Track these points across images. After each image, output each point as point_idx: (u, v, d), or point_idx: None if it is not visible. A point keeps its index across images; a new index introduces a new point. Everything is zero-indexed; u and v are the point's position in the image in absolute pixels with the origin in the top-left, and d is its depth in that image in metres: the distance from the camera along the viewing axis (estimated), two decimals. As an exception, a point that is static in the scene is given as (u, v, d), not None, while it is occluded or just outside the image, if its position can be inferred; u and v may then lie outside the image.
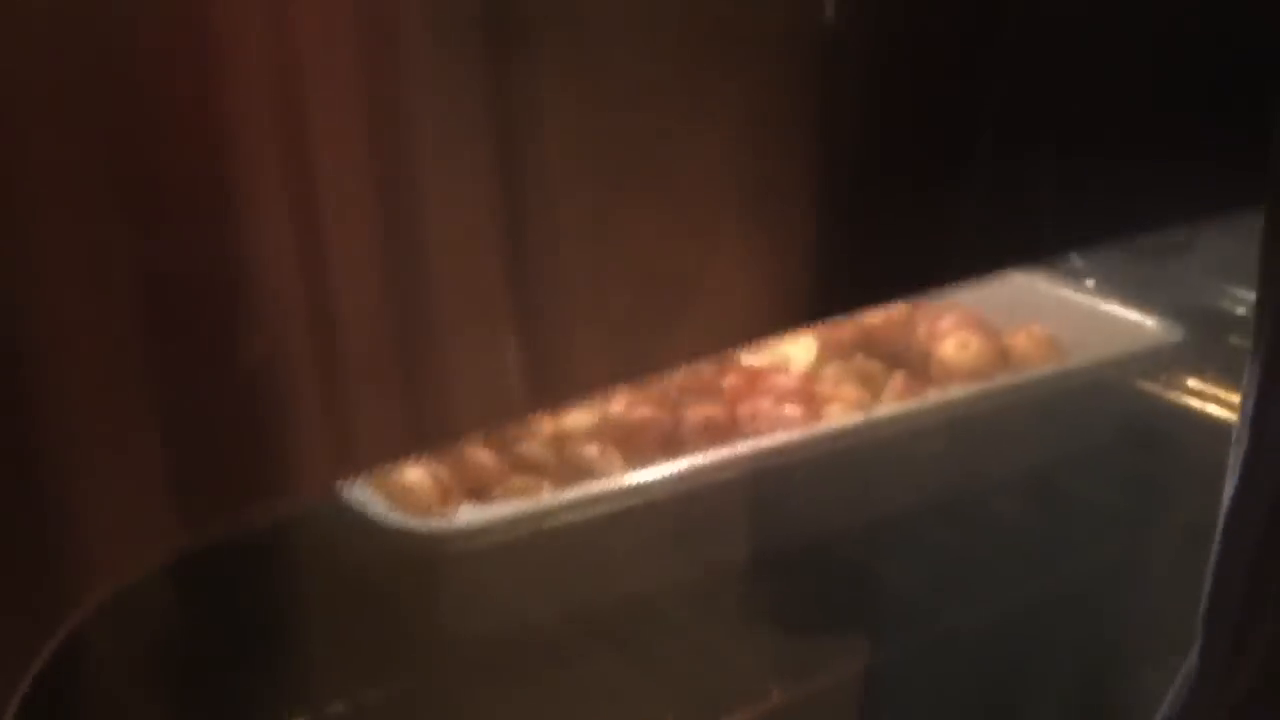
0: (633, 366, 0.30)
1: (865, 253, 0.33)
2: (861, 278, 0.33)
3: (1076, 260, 0.82)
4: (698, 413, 0.61)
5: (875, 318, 0.73)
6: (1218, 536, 0.35)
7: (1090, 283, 0.80)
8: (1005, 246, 0.37)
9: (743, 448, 0.53)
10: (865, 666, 0.51)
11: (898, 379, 0.70)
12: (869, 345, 0.73)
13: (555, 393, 0.29)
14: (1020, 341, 0.74)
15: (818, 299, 0.32)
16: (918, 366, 0.72)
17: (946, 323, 0.73)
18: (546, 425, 0.60)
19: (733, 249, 0.31)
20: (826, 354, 0.71)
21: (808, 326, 0.33)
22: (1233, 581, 0.35)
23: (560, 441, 0.60)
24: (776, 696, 0.49)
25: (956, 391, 0.63)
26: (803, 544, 0.54)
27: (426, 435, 0.27)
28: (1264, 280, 0.34)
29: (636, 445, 0.58)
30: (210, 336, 0.23)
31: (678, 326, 0.30)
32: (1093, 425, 0.68)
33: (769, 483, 0.54)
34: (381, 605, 0.49)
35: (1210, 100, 0.36)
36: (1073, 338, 0.73)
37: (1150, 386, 0.73)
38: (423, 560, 0.47)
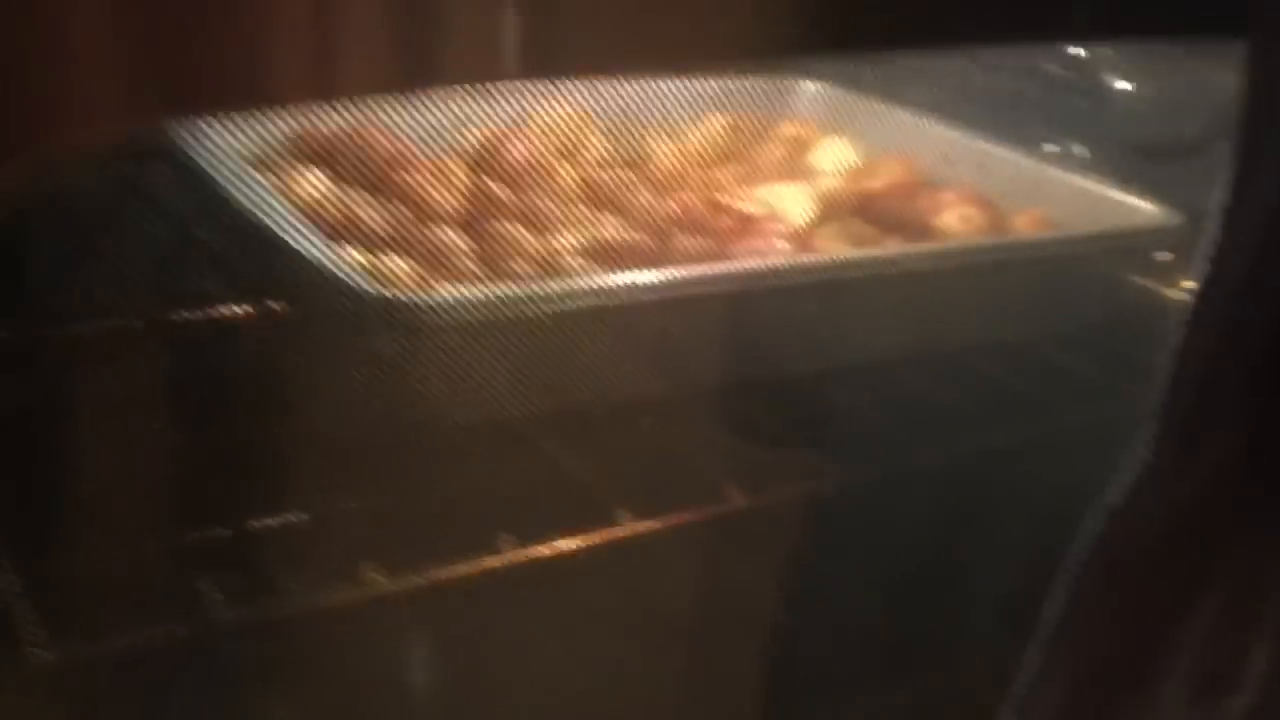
0: (626, 57, 0.31)
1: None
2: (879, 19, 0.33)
3: (1085, 155, 0.82)
4: (687, 242, 0.61)
5: (876, 183, 0.74)
6: (1182, 329, 0.36)
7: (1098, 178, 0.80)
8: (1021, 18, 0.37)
9: (727, 266, 0.54)
10: (821, 487, 0.52)
11: (893, 243, 0.70)
12: (868, 212, 0.73)
13: (547, 65, 0.29)
14: (1022, 222, 0.74)
15: (823, 31, 0.32)
16: (916, 236, 0.72)
17: (949, 196, 0.73)
18: (534, 245, 0.61)
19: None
20: (824, 214, 0.71)
21: (811, 55, 0.33)
22: (1190, 377, 0.35)
23: (548, 262, 0.60)
24: (734, 500, 0.50)
25: (950, 243, 0.64)
26: (776, 368, 0.55)
27: (414, 75, 0.28)
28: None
29: (623, 267, 0.58)
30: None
31: (673, 30, 0.30)
32: (1083, 303, 0.68)
33: (750, 306, 0.54)
34: (358, 384, 0.50)
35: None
36: (1074, 220, 0.73)
37: (1145, 281, 0.73)
38: (400, 333, 0.48)
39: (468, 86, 0.50)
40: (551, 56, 0.30)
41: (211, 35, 0.25)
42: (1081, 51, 0.81)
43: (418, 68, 0.28)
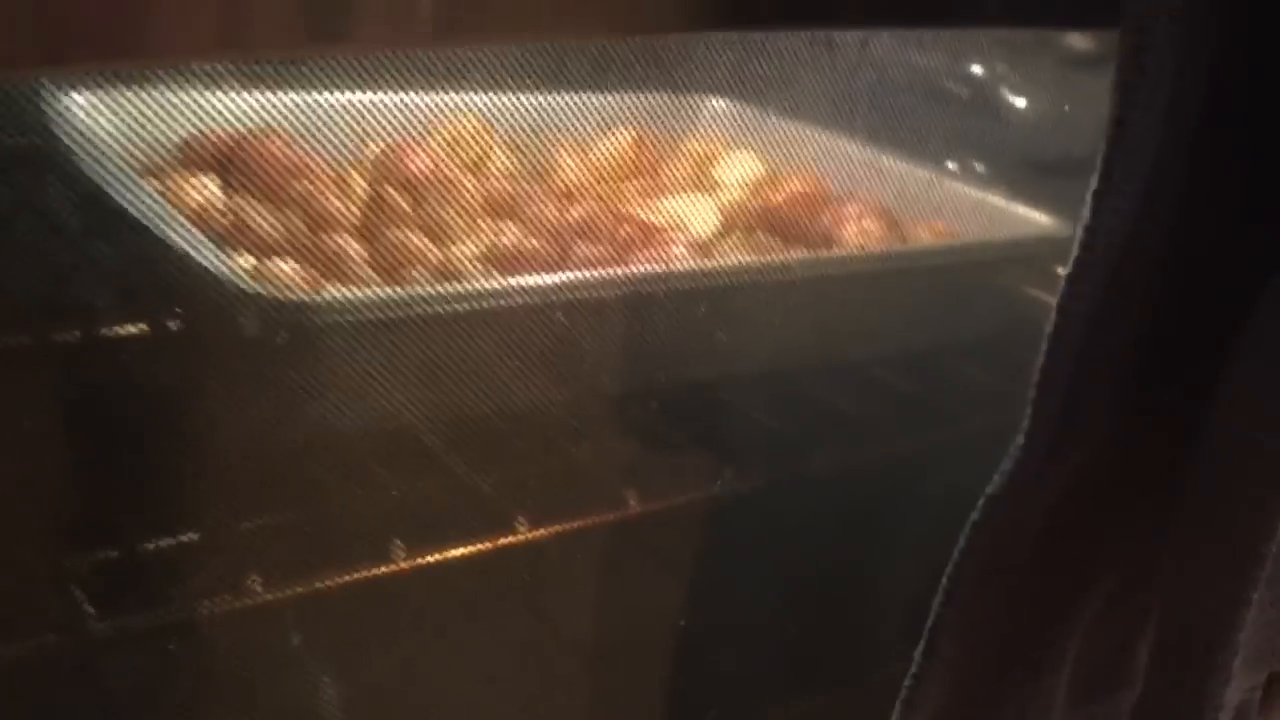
0: (542, 24, 0.30)
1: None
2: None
3: (984, 172, 0.83)
4: (588, 251, 0.61)
5: (779, 196, 0.74)
6: (1055, 306, 0.36)
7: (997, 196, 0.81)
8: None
9: (622, 271, 0.53)
10: (720, 492, 0.52)
11: (796, 254, 0.70)
12: (771, 224, 0.73)
13: (458, 31, 0.29)
14: (922, 234, 0.75)
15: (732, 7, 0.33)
16: (818, 247, 0.73)
17: (851, 209, 0.74)
18: (434, 253, 0.60)
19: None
20: (728, 225, 0.71)
21: (715, 28, 0.33)
22: (1063, 356, 0.35)
23: (446, 271, 0.60)
24: (633, 505, 0.50)
25: (846, 251, 0.64)
26: (675, 375, 0.55)
27: (323, 35, 0.27)
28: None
29: (520, 274, 0.58)
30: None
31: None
32: (981, 314, 0.69)
33: (647, 310, 0.54)
34: (249, 396, 0.49)
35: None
36: (975, 235, 0.74)
37: (1042, 294, 0.74)
38: (285, 335, 0.47)
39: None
40: (462, 23, 0.29)
41: None
42: (980, 70, 0.83)
43: (327, 27, 0.28)
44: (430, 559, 0.46)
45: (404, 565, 0.45)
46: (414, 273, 0.60)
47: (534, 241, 0.60)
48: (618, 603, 0.50)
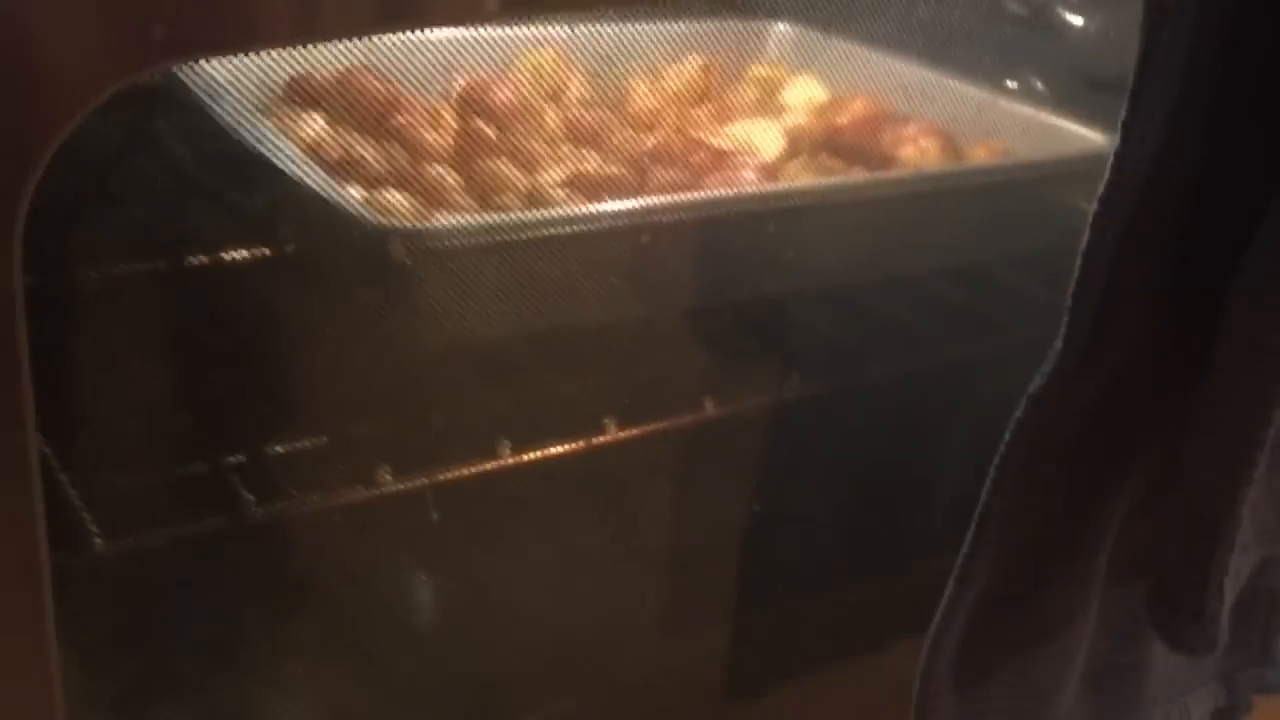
0: None
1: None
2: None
3: (1042, 90, 0.86)
4: (664, 175, 0.65)
5: (842, 118, 0.78)
6: (1088, 225, 0.40)
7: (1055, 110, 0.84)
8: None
9: (699, 195, 0.58)
10: (786, 397, 0.57)
11: (856, 175, 0.74)
12: (834, 146, 0.77)
13: (526, 5, 0.33)
14: (979, 153, 0.79)
15: None
16: (879, 168, 0.77)
17: (910, 130, 0.78)
18: (522, 180, 0.65)
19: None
20: (793, 148, 0.75)
21: None
22: (1096, 269, 0.40)
23: (534, 196, 0.65)
24: (710, 408, 0.55)
25: (905, 172, 0.68)
26: (746, 289, 0.60)
27: (395, 18, 0.32)
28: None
29: (603, 199, 0.63)
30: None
31: None
32: (1034, 228, 0.73)
33: (720, 232, 0.59)
34: (360, 310, 0.54)
35: None
36: (1032, 153, 0.77)
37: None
38: (400, 260, 0.52)
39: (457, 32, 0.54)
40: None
41: None
42: (1036, -13, 0.85)
43: (399, 10, 0.32)
44: (531, 457, 0.52)
45: (510, 462, 0.51)
46: (506, 199, 0.66)
47: (614, 168, 0.65)
48: (693, 498, 0.56)
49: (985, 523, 0.43)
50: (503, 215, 0.54)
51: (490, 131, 0.68)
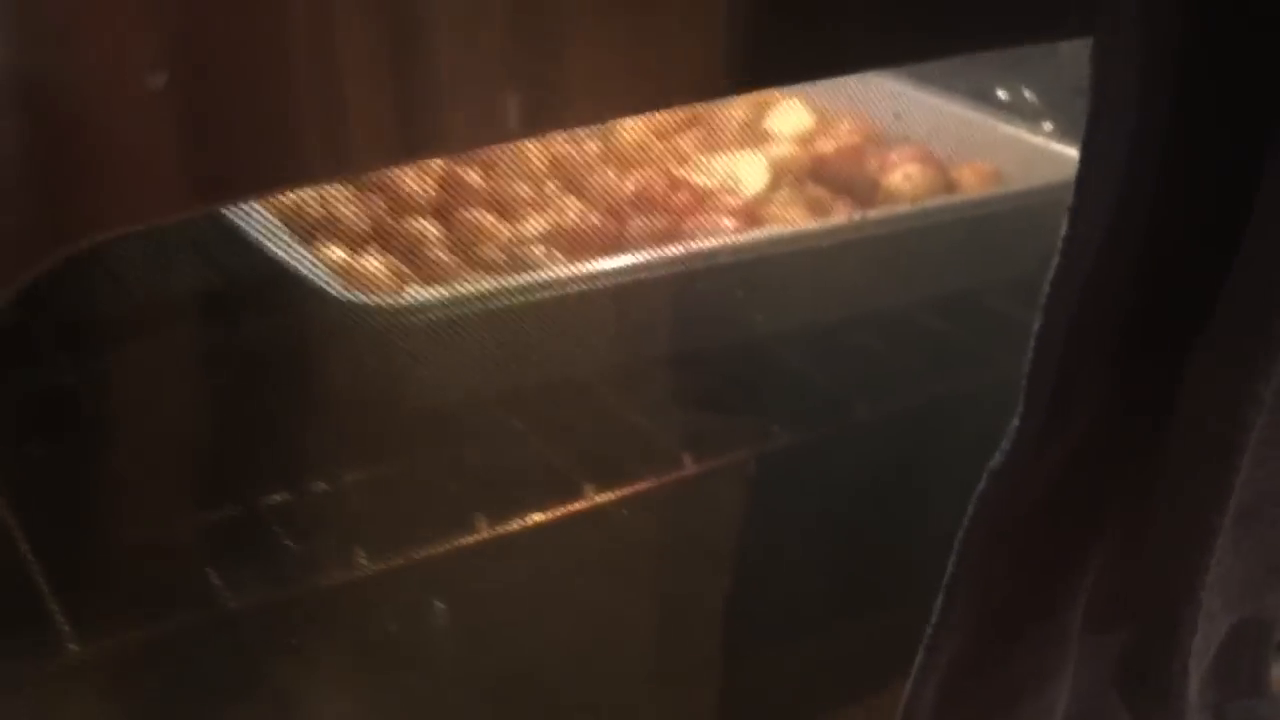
0: (609, 108, 0.35)
1: (776, 38, 0.38)
2: (776, 57, 0.38)
3: (1035, 102, 0.86)
4: (643, 223, 0.65)
5: (827, 147, 0.78)
6: (1040, 306, 0.40)
7: (1048, 125, 0.83)
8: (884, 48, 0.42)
9: (672, 250, 0.58)
10: (768, 448, 0.57)
11: (843, 205, 0.74)
12: (820, 174, 0.77)
13: (543, 124, 0.33)
14: (965, 175, 0.78)
15: (743, 71, 0.37)
16: (865, 196, 0.76)
17: (896, 155, 0.78)
18: (502, 232, 0.66)
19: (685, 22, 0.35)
20: (778, 180, 0.75)
21: (726, 95, 0.38)
22: (1050, 350, 0.40)
23: (513, 246, 0.65)
24: (688, 466, 0.55)
25: (887, 210, 0.68)
26: (724, 339, 0.60)
27: (420, 147, 0.32)
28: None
29: (583, 251, 0.63)
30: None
31: (643, 78, 0.35)
32: (1024, 253, 0.72)
33: (697, 283, 0.59)
34: (336, 380, 0.55)
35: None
36: (1020, 175, 0.77)
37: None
38: (371, 334, 0.53)
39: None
40: (544, 116, 0.34)
41: (238, 129, 0.29)
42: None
43: (423, 140, 0.31)
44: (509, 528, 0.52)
45: (486, 535, 0.51)
46: (487, 250, 0.66)
47: (594, 217, 0.65)
48: (675, 555, 0.56)
49: (953, 593, 0.44)
50: (476, 284, 0.55)
51: (474, 174, 0.69)
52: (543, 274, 0.55)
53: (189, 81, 0.28)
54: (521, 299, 0.54)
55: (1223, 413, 0.36)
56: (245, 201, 0.43)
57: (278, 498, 0.50)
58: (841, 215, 0.72)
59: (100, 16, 0.27)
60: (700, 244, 0.60)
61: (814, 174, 0.77)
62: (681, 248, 0.58)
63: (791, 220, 0.71)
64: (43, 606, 0.44)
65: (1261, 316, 0.36)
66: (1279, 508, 0.40)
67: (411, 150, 0.33)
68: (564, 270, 0.56)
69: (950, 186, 0.77)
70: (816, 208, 0.74)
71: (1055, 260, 0.38)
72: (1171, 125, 0.36)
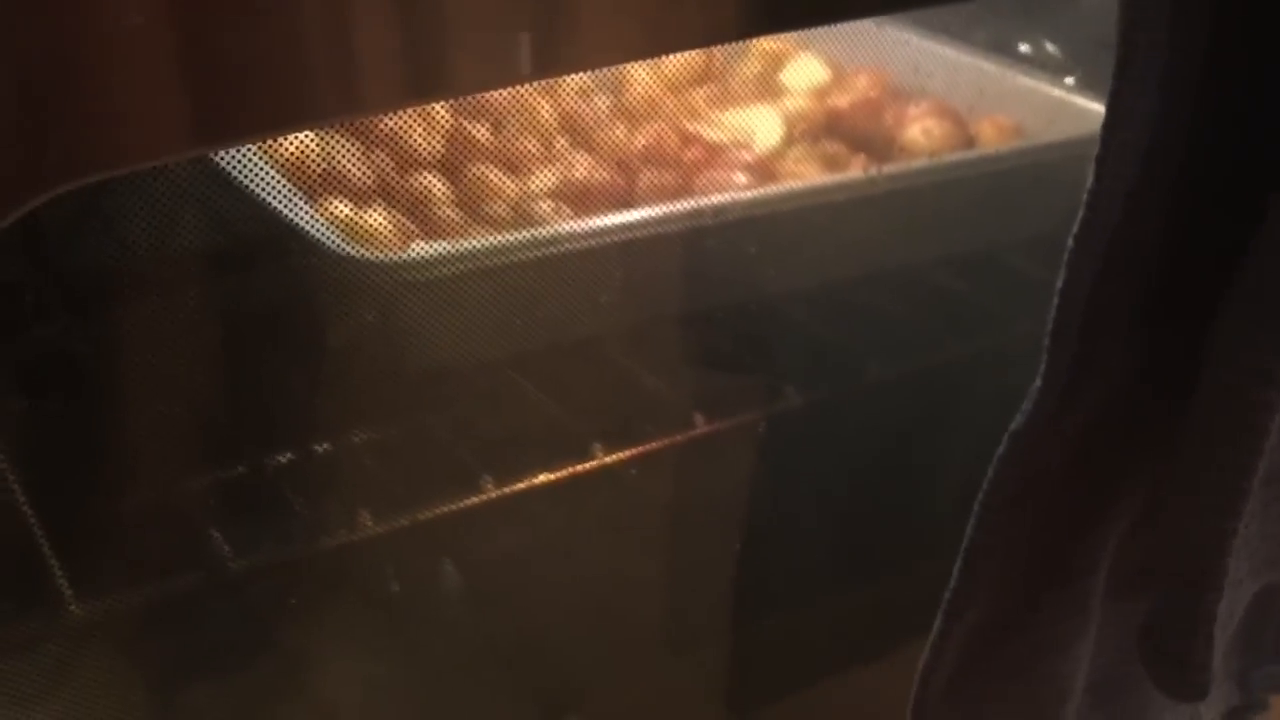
0: (617, 50, 0.34)
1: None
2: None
3: (1058, 55, 0.83)
4: (652, 178, 0.64)
5: (843, 101, 0.76)
6: (1064, 262, 0.39)
7: (1070, 79, 0.81)
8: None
9: (683, 205, 0.57)
10: (780, 408, 0.56)
11: (859, 161, 0.72)
12: (836, 129, 0.75)
13: (552, 66, 0.32)
14: (985, 129, 0.76)
15: (753, 14, 0.35)
16: (882, 151, 0.75)
17: (914, 109, 0.76)
18: (510, 188, 0.64)
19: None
20: (792, 135, 0.73)
21: (737, 38, 0.36)
22: (1073, 308, 0.38)
23: (521, 201, 0.64)
24: (699, 425, 0.54)
25: (903, 165, 0.66)
26: (736, 297, 0.58)
27: (430, 88, 0.31)
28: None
29: (591, 206, 0.62)
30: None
31: (652, 21, 0.33)
32: (1046, 209, 0.71)
33: (709, 239, 0.57)
34: (340, 339, 0.54)
35: None
36: (1042, 129, 0.75)
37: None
38: (377, 290, 0.52)
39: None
40: (558, 57, 0.32)
41: (248, 69, 0.28)
42: (1051, -51, 0.82)
43: (433, 81, 0.31)
44: (515, 488, 0.51)
45: (493, 495, 0.50)
46: (494, 207, 0.65)
47: (603, 173, 0.64)
48: (686, 515, 0.55)
49: (972, 558, 0.43)
50: (483, 239, 0.53)
51: (483, 130, 0.67)
52: (550, 229, 0.54)
53: (191, 16, 0.27)
54: (528, 255, 0.53)
55: (1252, 375, 0.34)
56: (248, 142, 0.42)
57: (281, 458, 0.49)
58: (857, 170, 0.70)
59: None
60: (711, 199, 0.58)
61: (829, 129, 0.75)
62: (692, 203, 0.57)
63: (806, 176, 0.69)
64: (44, 567, 0.43)
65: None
66: (1309, 472, 0.39)
67: (420, 92, 0.32)
68: (572, 226, 0.55)
69: (970, 141, 0.75)
70: (832, 163, 0.72)
71: (1080, 214, 0.37)
72: (1203, 72, 0.35)
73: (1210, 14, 0.35)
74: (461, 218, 0.63)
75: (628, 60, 0.39)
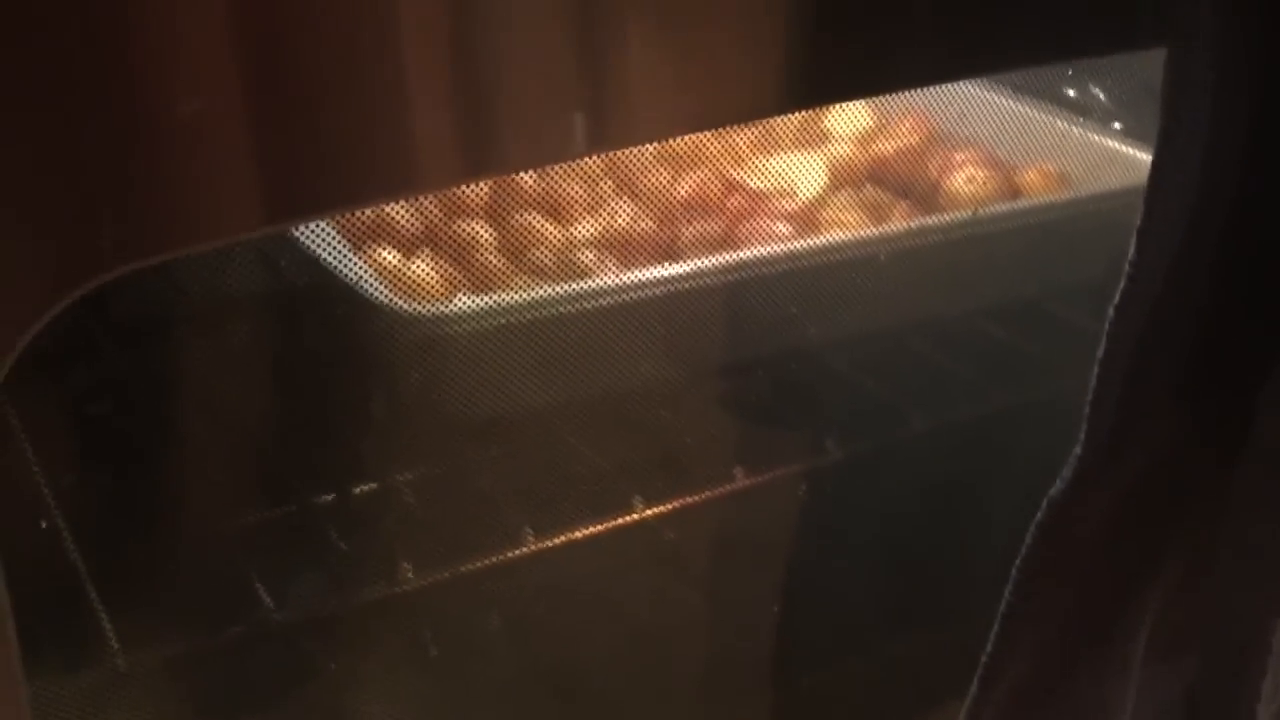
0: (678, 122, 0.34)
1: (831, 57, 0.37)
2: (829, 75, 0.37)
3: (1105, 100, 0.83)
4: (696, 228, 0.64)
5: (887, 148, 0.76)
6: (1104, 333, 0.39)
7: (1118, 125, 0.81)
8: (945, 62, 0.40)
9: (725, 259, 0.57)
10: (821, 461, 0.56)
11: (902, 209, 0.72)
12: (880, 176, 0.75)
13: (610, 140, 0.33)
14: (1031, 178, 0.76)
15: (796, 90, 0.36)
16: (926, 198, 0.74)
17: (958, 157, 0.76)
18: (554, 233, 0.65)
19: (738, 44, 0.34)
20: (836, 182, 0.73)
21: (784, 112, 0.37)
22: (1113, 379, 0.38)
23: (565, 249, 0.64)
24: (740, 479, 0.54)
25: (948, 216, 0.66)
26: (778, 348, 0.58)
27: (486, 166, 0.31)
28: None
29: (634, 256, 0.62)
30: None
31: (699, 97, 0.34)
32: (1090, 258, 0.70)
33: (751, 291, 0.57)
34: (386, 386, 0.54)
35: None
36: (1088, 177, 0.74)
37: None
38: (422, 343, 0.52)
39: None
40: (610, 134, 0.33)
41: (309, 152, 0.28)
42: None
43: (490, 159, 0.31)
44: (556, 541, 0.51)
45: (533, 547, 0.51)
46: (538, 255, 0.65)
47: (646, 222, 0.64)
48: (725, 571, 0.55)
49: (1009, 624, 0.42)
50: (522, 295, 0.54)
51: (528, 175, 0.68)
52: (592, 283, 0.55)
53: (255, 101, 0.27)
54: (571, 308, 0.53)
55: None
56: (306, 222, 0.43)
57: (324, 508, 0.50)
58: (900, 220, 0.70)
59: (163, 34, 0.26)
60: (754, 252, 0.58)
61: (873, 175, 0.75)
62: (734, 256, 0.57)
63: (849, 225, 0.69)
64: (94, 619, 0.44)
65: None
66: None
67: (476, 169, 0.33)
68: (614, 278, 0.55)
69: (1014, 190, 0.75)
70: (875, 211, 0.72)
71: (1121, 285, 0.37)
72: (1248, 144, 0.35)
73: (1255, 86, 0.35)
74: (506, 265, 0.63)
75: (678, 135, 0.39)
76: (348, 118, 0.29)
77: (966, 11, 0.38)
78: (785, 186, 0.72)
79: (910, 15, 0.38)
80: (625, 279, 0.55)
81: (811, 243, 0.60)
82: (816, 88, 0.37)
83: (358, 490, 0.51)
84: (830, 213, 0.71)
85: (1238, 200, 0.35)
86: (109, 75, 0.26)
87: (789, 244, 0.60)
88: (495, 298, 0.54)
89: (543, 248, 0.65)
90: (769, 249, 0.59)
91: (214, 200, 0.29)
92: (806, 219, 0.68)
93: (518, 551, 0.50)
